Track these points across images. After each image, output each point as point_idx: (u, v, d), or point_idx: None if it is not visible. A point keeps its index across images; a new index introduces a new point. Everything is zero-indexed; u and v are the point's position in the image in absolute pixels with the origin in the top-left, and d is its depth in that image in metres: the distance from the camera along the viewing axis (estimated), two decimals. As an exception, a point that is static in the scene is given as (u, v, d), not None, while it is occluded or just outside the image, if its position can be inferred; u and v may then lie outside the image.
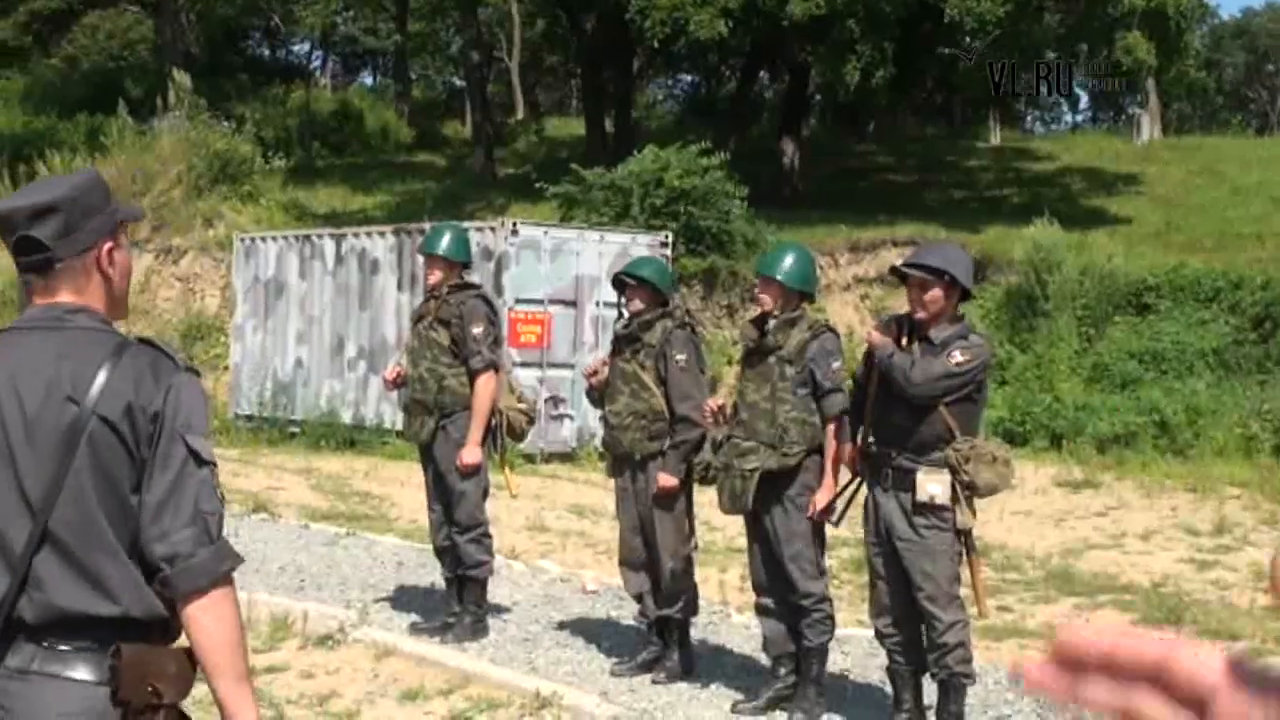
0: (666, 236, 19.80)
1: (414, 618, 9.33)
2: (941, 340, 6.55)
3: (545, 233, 18.82)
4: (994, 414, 17.81)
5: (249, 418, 20.64)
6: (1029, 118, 50.32)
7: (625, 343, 8.14)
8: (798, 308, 7.38)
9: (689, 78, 53.43)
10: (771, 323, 7.36)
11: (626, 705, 7.48)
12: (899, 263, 7.00)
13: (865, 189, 31.98)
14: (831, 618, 7.36)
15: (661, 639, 8.21)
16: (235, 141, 29.14)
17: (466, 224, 19.66)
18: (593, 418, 18.25)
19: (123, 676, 2.89)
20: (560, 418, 18.27)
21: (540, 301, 18.30)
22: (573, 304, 18.51)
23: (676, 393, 7.85)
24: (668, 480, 7.87)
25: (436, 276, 8.92)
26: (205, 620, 2.95)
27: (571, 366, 18.30)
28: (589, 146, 32.41)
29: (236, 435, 19.95)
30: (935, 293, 6.55)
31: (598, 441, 18.05)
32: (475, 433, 8.67)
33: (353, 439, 19.01)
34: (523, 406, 9.09)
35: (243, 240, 22.35)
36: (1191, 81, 38.17)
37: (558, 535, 12.88)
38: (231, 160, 28.48)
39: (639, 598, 8.26)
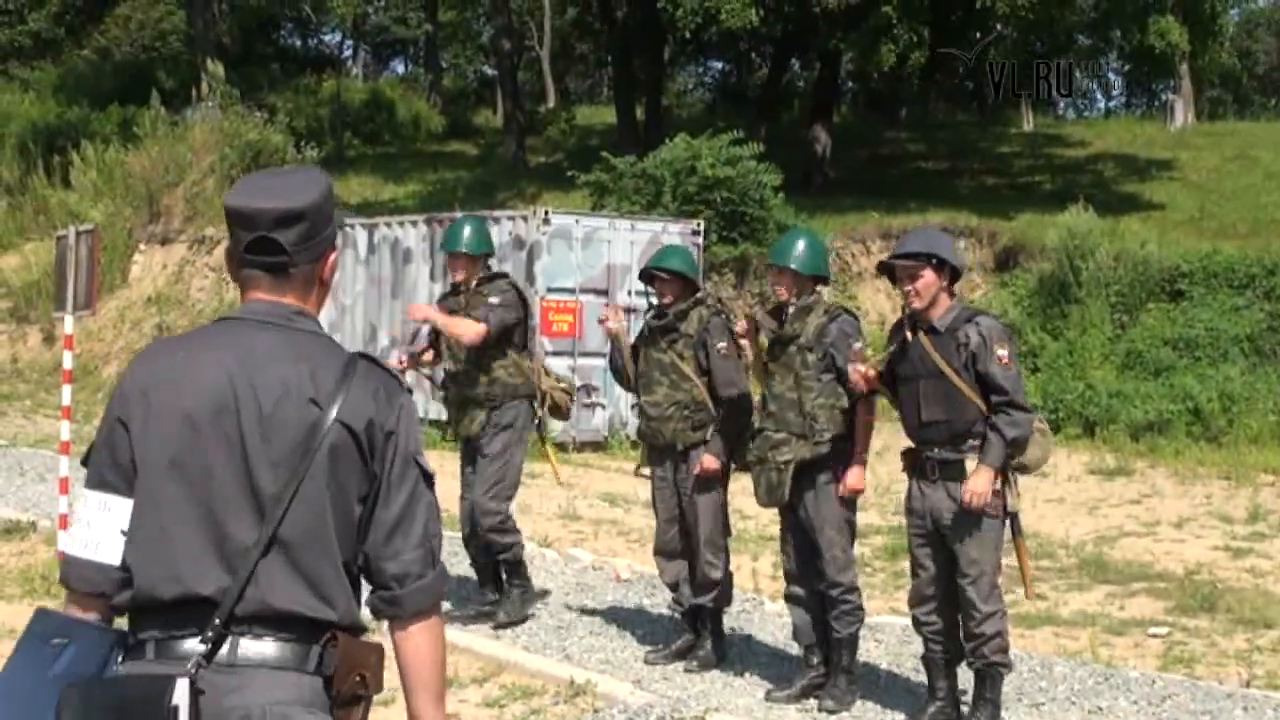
0: (699, 224, 19.79)
1: (445, 605, 9.37)
2: (948, 326, 6.53)
3: (577, 221, 18.84)
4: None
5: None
6: (1061, 104, 50.05)
7: (661, 334, 8.13)
8: (813, 293, 7.41)
9: (720, 65, 53.35)
10: (789, 311, 7.39)
11: (660, 693, 7.50)
12: (884, 258, 7.01)
13: (897, 176, 31.92)
14: (860, 608, 7.35)
15: (694, 628, 8.22)
16: (268, 132, 29.23)
17: (499, 213, 19.75)
18: (625, 406, 18.29)
19: (339, 666, 2.91)
20: (592, 406, 18.29)
21: (572, 290, 18.31)
22: (604, 293, 18.51)
23: (721, 379, 7.84)
24: (712, 462, 7.86)
25: (461, 273, 8.97)
26: (423, 640, 3.00)
27: (603, 355, 18.28)
28: (620, 134, 32.41)
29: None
30: (926, 277, 6.54)
31: (629, 430, 18.10)
32: (439, 317, 8.95)
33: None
34: (563, 385, 9.18)
35: (275, 230, 22.41)
36: (1225, 67, 37.92)
37: (590, 524, 12.91)
38: (264, 150, 28.57)
39: (674, 586, 8.27)
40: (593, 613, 9.32)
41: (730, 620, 8.85)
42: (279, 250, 3.04)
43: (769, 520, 13.01)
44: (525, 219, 18.60)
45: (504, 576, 9.01)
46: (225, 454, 2.91)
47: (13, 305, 28.18)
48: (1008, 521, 6.64)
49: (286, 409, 2.92)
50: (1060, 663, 8.37)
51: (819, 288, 7.46)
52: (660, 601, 9.74)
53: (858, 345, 7.15)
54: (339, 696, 2.94)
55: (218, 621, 2.85)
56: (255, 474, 2.90)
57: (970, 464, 6.50)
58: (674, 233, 19.31)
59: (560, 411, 9.15)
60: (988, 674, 6.68)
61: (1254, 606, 9.82)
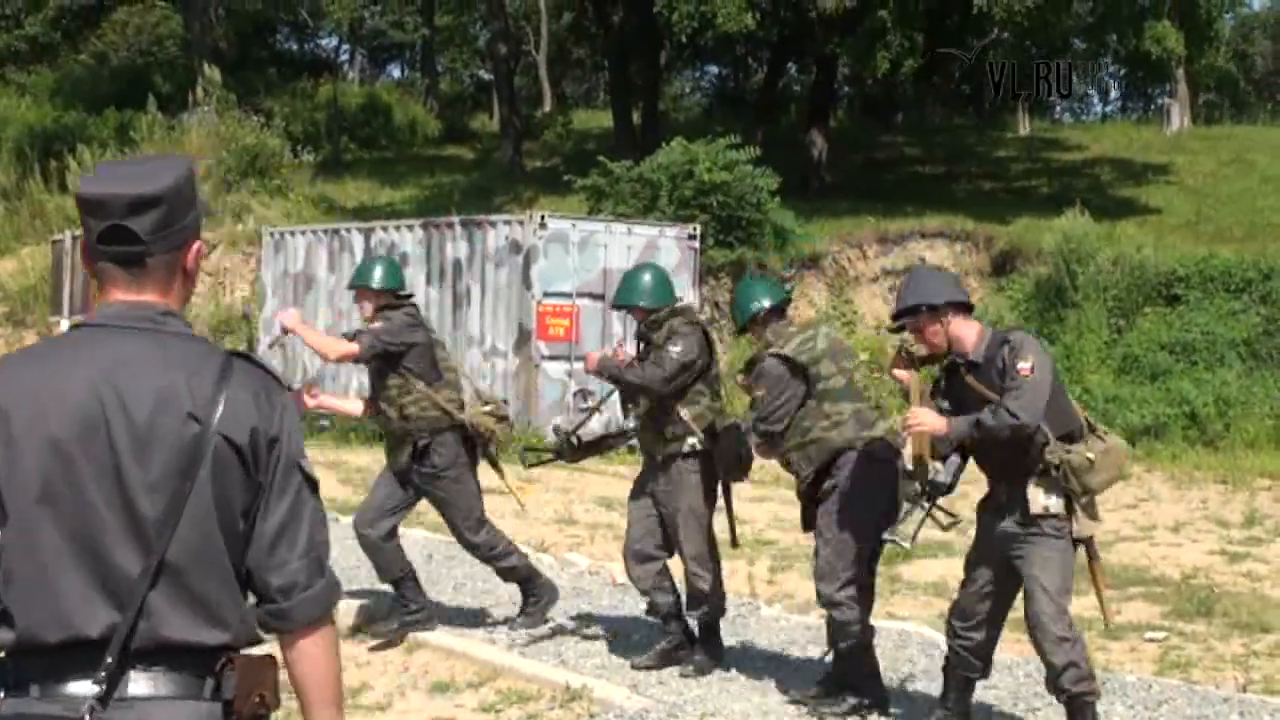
0: (695, 229, 19.79)
1: (443, 610, 9.35)
2: (985, 356, 6.32)
3: (573, 225, 18.85)
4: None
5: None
6: (1058, 107, 50.09)
7: (639, 344, 8.15)
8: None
9: (716, 70, 53.35)
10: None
11: (656, 698, 7.48)
12: (889, 325, 7.00)
13: (893, 180, 31.93)
14: (851, 623, 7.26)
15: (689, 638, 8.21)
16: (264, 136, 29.27)
17: (495, 217, 19.76)
18: (621, 410, 18.28)
19: (239, 689, 2.79)
20: (588, 411, 18.24)
21: (568, 294, 18.32)
22: (601, 296, 18.50)
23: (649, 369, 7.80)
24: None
25: (368, 310, 8.68)
26: (315, 652, 2.87)
27: (600, 359, 18.29)
28: (616, 139, 32.41)
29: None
30: (931, 328, 6.42)
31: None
32: (304, 329, 9.13)
33: (382, 433, 19.03)
34: (491, 409, 8.85)
35: (272, 234, 22.43)
36: (1222, 71, 37.95)
37: (586, 528, 12.90)
38: (260, 154, 28.61)
39: (647, 593, 8.22)
40: (589, 617, 9.30)
41: (726, 625, 8.84)
42: (133, 239, 2.83)
43: (765, 524, 13.02)
44: (522, 223, 18.60)
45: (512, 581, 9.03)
46: (99, 480, 2.71)
47: (9, 309, 28.19)
48: (1080, 547, 6.40)
49: (162, 426, 2.74)
50: (1057, 667, 8.36)
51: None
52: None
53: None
54: (240, 718, 2.82)
55: (110, 661, 2.68)
56: (134, 500, 2.71)
57: (1033, 489, 6.26)
58: (670, 237, 19.33)
59: (493, 439, 8.79)
60: (1074, 706, 6.44)
61: (1251, 611, 9.81)
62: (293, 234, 22.08)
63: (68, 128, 34.82)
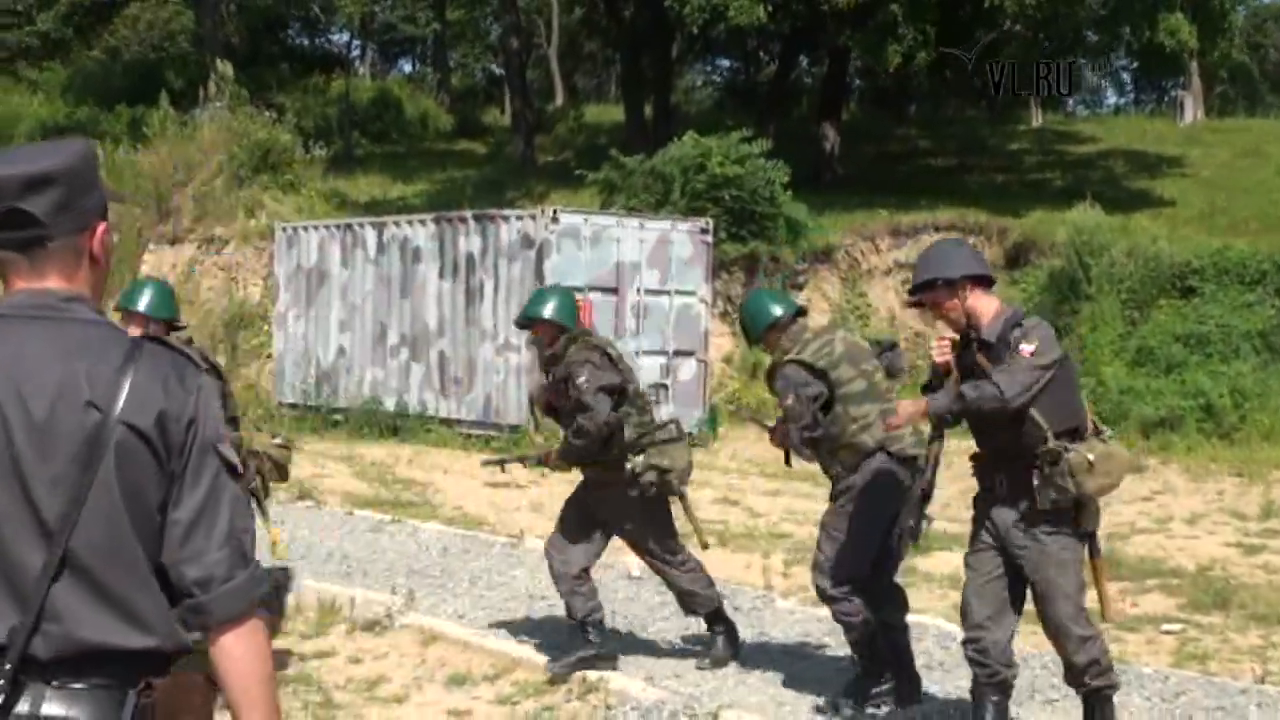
0: (707, 222, 19.78)
1: (460, 603, 9.36)
2: (998, 336, 6.09)
3: (585, 220, 18.84)
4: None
5: (293, 405, 20.76)
6: (1070, 100, 49.97)
7: (546, 373, 8.00)
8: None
9: (728, 63, 53.28)
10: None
11: (672, 690, 7.48)
12: (906, 300, 6.85)
13: (906, 173, 31.88)
14: (851, 614, 7.16)
15: (711, 628, 8.20)
16: (276, 131, 29.27)
17: (508, 211, 19.75)
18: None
19: (157, 716, 2.62)
20: (602, 404, 18.26)
21: (581, 288, 18.29)
22: (614, 290, 18.52)
23: (577, 407, 7.62)
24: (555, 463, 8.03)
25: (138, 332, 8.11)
26: (240, 651, 2.66)
27: (613, 353, 18.29)
28: (628, 132, 32.39)
29: (280, 423, 20.03)
30: (949, 302, 6.21)
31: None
32: None
33: (395, 426, 19.08)
34: (279, 442, 8.46)
35: (285, 229, 22.46)
36: (1235, 63, 37.86)
37: (601, 521, 12.86)
38: (272, 150, 28.61)
39: (564, 596, 7.93)
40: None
41: (742, 617, 8.84)
42: (31, 221, 2.66)
43: (779, 518, 13.01)
44: (534, 217, 18.60)
45: None
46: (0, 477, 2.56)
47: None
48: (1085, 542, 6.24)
49: (60, 417, 2.58)
50: (1073, 659, 8.35)
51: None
52: (673, 598, 9.74)
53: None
54: None
55: (8, 667, 2.50)
56: (34, 495, 2.55)
57: (1040, 482, 6.04)
58: (683, 230, 19.31)
59: (280, 471, 8.27)
60: (1094, 700, 6.35)
61: (1268, 603, 9.79)
62: (305, 229, 22.10)
63: (80, 123, 34.92)
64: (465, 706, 7.42)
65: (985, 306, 6.21)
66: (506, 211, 19.79)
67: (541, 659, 7.99)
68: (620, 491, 7.70)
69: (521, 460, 8.77)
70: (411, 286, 19.73)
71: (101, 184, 2.79)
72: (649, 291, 18.75)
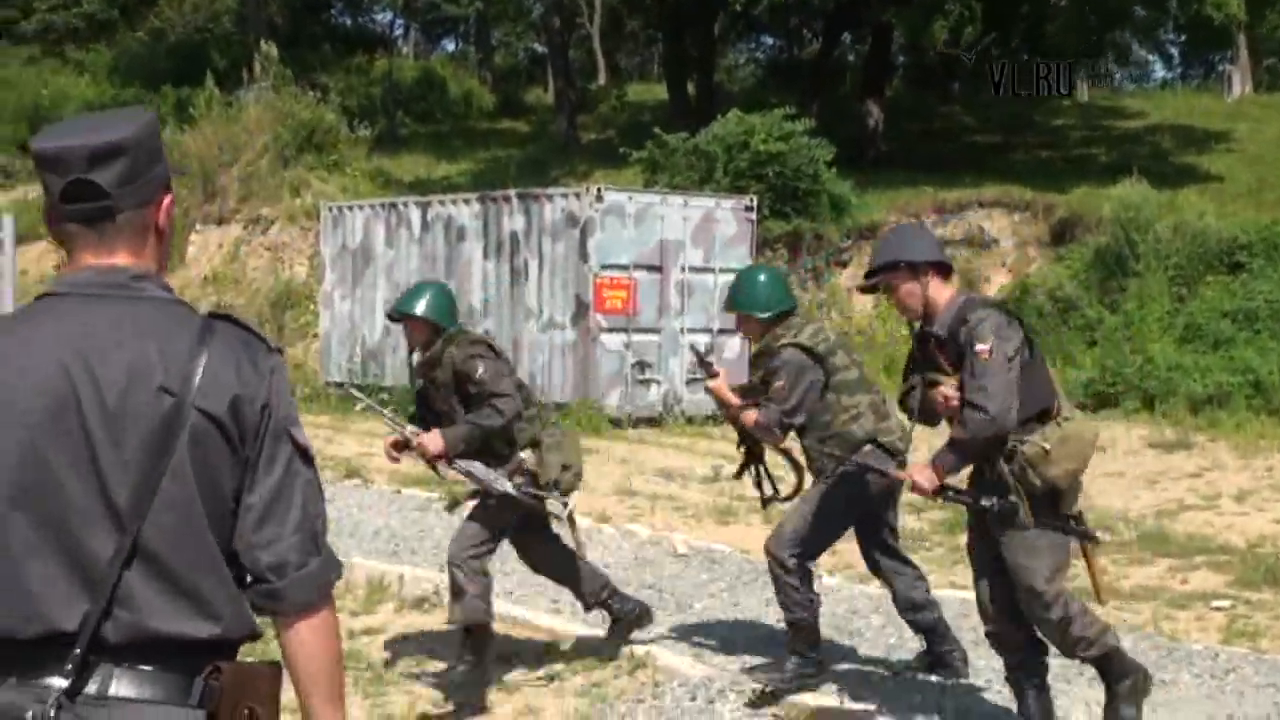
0: (751, 200, 19.76)
1: (507, 580, 9.40)
2: (948, 329, 5.86)
3: (629, 198, 18.84)
4: (1083, 375, 17.66)
5: (339, 384, 20.86)
6: (1117, 75, 49.58)
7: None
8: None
9: (771, 40, 53.09)
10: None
11: (720, 667, 7.50)
12: (861, 284, 6.56)
13: (950, 150, 31.74)
14: (795, 588, 7.03)
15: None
16: (321, 111, 29.40)
17: (552, 190, 19.76)
18: (679, 382, 18.31)
19: (223, 699, 2.56)
20: (647, 382, 18.31)
21: (625, 267, 18.33)
22: (658, 269, 18.53)
23: (489, 397, 7.06)
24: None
25: None
26: (312, 638, 2.65)
27: (658, 331, 18.34)
28: (671, 111, 32.36)
29: (327, 402, 20.14)
30: (906, 286, 5.97)
31: (685, 406, 18.14)
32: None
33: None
34: None
35: (330, 209, 22.55)
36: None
37: (646, 499, 12.91)
38: (317, 130, 28.74)
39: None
40: (651, 587, 9.33)
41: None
42: (99, 193, 2.60)
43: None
44: (578, 196, 18.62)
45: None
46: (72, 462, 2.51)
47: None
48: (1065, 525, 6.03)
49: (134, 401, 2.52)
50: (1122, 637, 8.33)
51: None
52: (720, 575, 9.76)
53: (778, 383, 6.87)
54: None
55: (78, 651, 2.47)
56: (108, 481, 2.50)
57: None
58: (727, 208, 19.30)
59: None
60: (1099, 665, 6.22)
61: (1318, 580, 9.73)
62: (350, 209, 22.19)
63: (126, 105, 35.05)
64: (513, 683, 7.46)
65: (942, 296, 5.99)
66: (550, 190, 19.83)
67: (591, 634, 8.02)
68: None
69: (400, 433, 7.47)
70: (456, 266, 19.78)
71: (165, 155, 2.73)
72: (693, 269, 18.75)
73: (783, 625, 8.21)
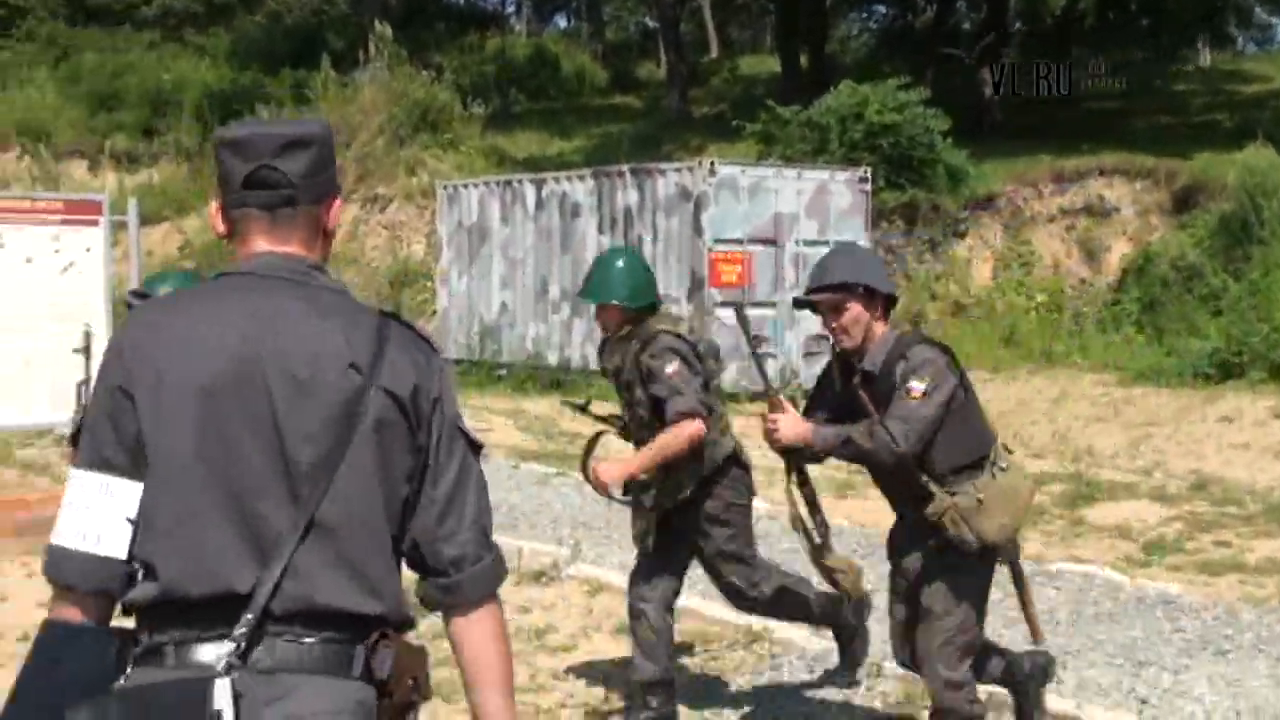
0: (865, 172, 19.63)
1: (626, 555, 9.45)
2: (881, 368, 5.33)
3: (743, 171, 18.81)
4: (1208, 345, 17.36)
5: (457, 361, 21.05)
6: (1239, 38, 48.52)
7: None
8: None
9: (884, 9, 52.57)
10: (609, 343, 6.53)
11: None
12: (800, 294, 5.77)
13: (1068, 117, 31.24)
14: (640, 617, 6.43)
15: None
16: (435, 90, 29.60)
17: (664, 164, 19.77)
18: (796, 355, 18.27)
19: (395, 669, 2.60)
20: (763, 356, 18.26)
21: (739, 240, 18.30)
22: (772, 242, 18.48)
23: None
24: None
25: None
26: (486, 631, 2.70)
27: (773, 305, 18.29)
28: (784, 83, 32.20)
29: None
30: (853, 311, 5.32)
31: (802, 379, 18.10)
32: None
33: (558, 380, 19.26)
34: None
35: (445, 187, 22.73)
36: None
37: (764, 473, 12.86)
38: (431, 109, 28.96)
39: None
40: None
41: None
42: (283, 181, 2.68)
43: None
44: (691, 170, 18.62)
45: None
46: (252, 429, 2.54)
47: (195, 265, 28.98)
48: (1002, 569, 5.57)
49: (321, 376, 2.57)
50: (1247, 610, 8.21)
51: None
52: (838, 549, 9.73)
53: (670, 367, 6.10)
54: (392, 704, 2.63)
55: (250, 618, 2.49)
56: (288, 450, 2.54)
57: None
58: (841, 180, 19.21)
59: None
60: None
61: None
62: (466, 187, 22.36)
63: (245, 88, 35.57)
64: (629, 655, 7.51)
65: (877, 332, 5.42)
66: (663, 165, 19.83)
67: (706, 609, 8.05)
68: None
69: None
70: (571, 241, 19.88)
71: (337, 162, 2.82)
72: (807, 242, 18.67)
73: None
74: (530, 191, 20.82)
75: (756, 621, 7.67)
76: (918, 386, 5.20)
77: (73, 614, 2.55)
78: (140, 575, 2.54)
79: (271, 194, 2.68)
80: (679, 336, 6.21)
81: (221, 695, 2.44)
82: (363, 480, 2.57)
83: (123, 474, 2.54)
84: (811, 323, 18.51)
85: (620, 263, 6.29)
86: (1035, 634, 5.85)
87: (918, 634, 5.50)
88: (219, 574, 2.50)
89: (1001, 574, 5.59)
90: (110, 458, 2.54)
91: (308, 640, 2.54)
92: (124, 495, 2.53)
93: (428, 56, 36.68)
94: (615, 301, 6.15)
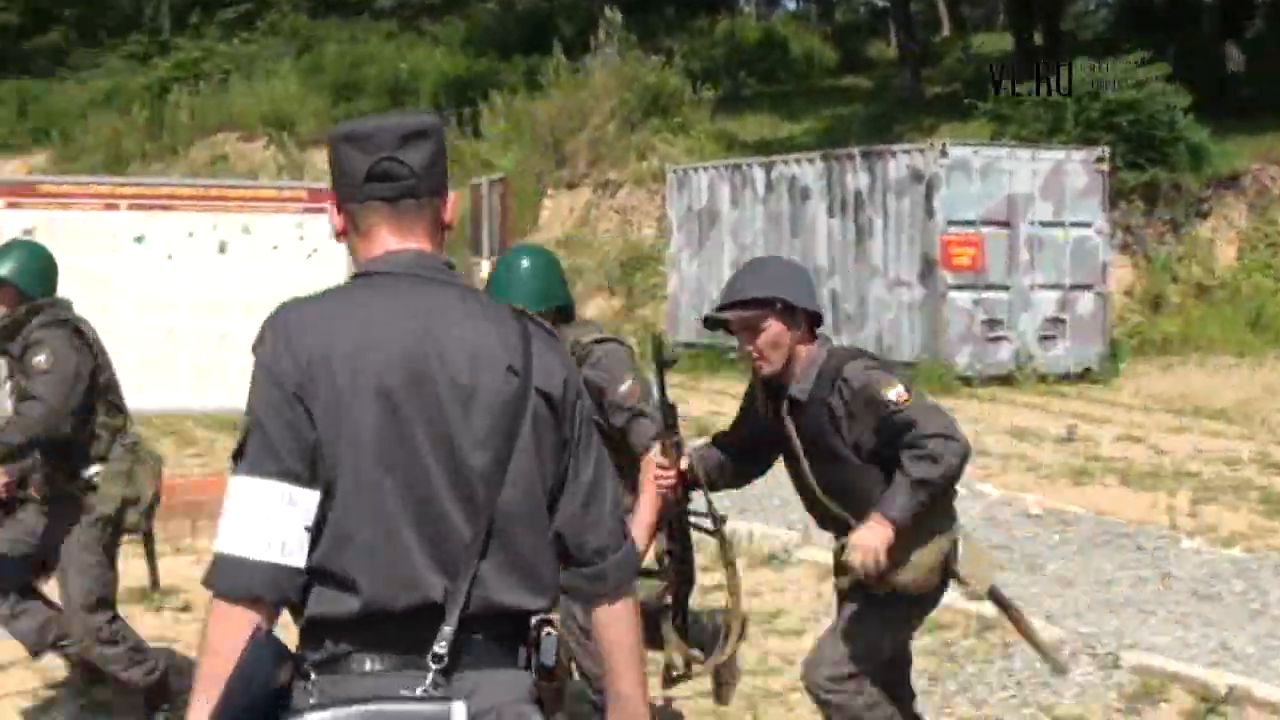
0: (1103, 151, 19.19)
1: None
2: (810, 394, 4.71)
3: (975, 152, 18.53)
4: None
5: (688, 345, 21.20)
6: None
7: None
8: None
9: (1122, -17, 51.23)
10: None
11: (1071, 629, 7.42)
12: (711, 314, 4.99)
13: (1319, 91, 30.07)
14: None
15: None
16: (665, 75, 29.77)
17: (895, 146, 19.60)
18: (1032, 339, 17.98)
19: (560, 653, 2.66)
20: (997, 340, 18.02)
21: (972, 222, 18.06)
22: (1006, 224, 18.18)
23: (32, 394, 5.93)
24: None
25: None
26: (626, 617, 2.77)
27: (1007, 288, 18.02)
28: (1017, 60, 31.59)
29: (677, 363, 20.46)
30: (771, 330, 4.70)
31: (1038, 363, 17.80)
32: None
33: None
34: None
35: (675, 171, 22.88)
36: None
37: (998, 458, 12.75)
38: (662, 93, 29.13)
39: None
40: (1001, 548, 9.24)
41: (1145, 556, 8.66)
42: (406, 173, 2.67)
43: (1186, 455, 12.59)
44: (922, 152, 18.43)
45: None
46: (429, 435, 2.53)
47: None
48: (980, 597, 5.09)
49: (484, 378, 2.57)
50: None
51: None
52: (1073, 537, 9.61)
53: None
54: (552, 688, 2.67)
55: (448, 629, 2.51)
56: (463, 458, 2.54)
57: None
58: (1077, 160, 18.82)
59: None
60: None
61: None
62: (695, 170, 22.47)
63: (480, 75, 36.23)
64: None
65: (803, 353, 4.78)
66: (894, 146, 19.65)
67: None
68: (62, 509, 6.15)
69: None
70: (801, 225, 19.85)
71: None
72: (1042, 224, 18.33)
73: (1135, 590, 8.06)
74: (760, 175, 20.84)
75: (989, 609, 7.61)
76: (895, 392, 4.57)
77: (253, 624, 2.47)
78: (330, 587, 2.51)
79: (395, 185, 2.67)
80: (619, 343, 5.46)
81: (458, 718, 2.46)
82: (527, 481, 2.61)
83: (304, 483, 2.49)
84: (1047, 305, 18.20)
85: (525, 262, 5.37)
86: (1050, 661, 5.50)
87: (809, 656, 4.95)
88: (419, 584, 2.51)
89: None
90: (291, 467, 2.49)
91: (487, 636, 2.57)
92: (306, 505, 2.49)
93: (658, 41, 36.90)
94: (519, 305, 4.66)
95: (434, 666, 2.49)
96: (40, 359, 5.90)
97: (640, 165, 27.39)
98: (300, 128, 36.47)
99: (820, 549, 9.06)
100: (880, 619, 4.81)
